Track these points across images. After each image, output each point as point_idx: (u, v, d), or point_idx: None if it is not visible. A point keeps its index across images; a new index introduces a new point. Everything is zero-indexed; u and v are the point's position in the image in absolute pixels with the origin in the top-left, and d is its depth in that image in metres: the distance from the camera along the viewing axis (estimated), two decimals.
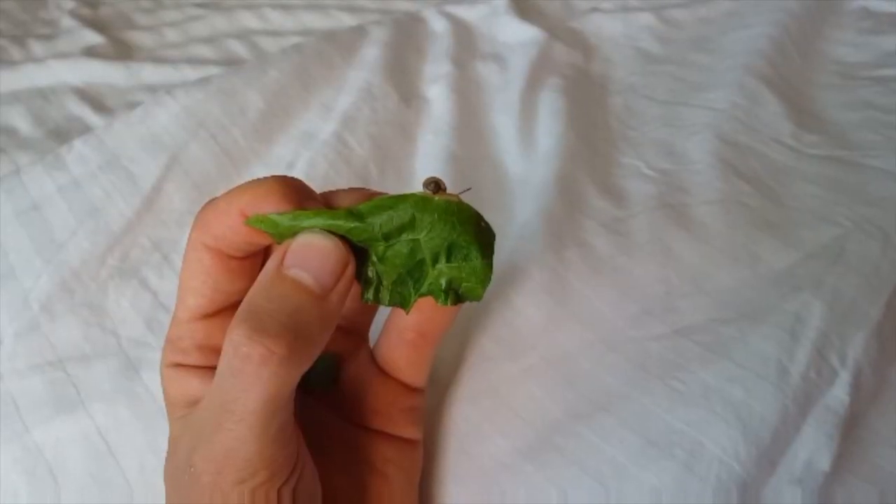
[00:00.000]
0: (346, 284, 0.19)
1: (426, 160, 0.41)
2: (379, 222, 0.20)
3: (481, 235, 0.20)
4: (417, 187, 0.20)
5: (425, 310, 0.22)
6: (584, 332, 0.31)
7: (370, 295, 0.21)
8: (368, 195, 0.20)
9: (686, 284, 0.32)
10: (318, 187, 0.21)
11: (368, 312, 0.26)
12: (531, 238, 0.35)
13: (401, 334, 0.24)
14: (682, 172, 0.40)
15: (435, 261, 0.20)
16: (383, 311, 0.24)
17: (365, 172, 0.41)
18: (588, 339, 0.31)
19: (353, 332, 0.25)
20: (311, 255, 0.19)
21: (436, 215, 0.20)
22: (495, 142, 0.44)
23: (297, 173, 0.40)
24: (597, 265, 0.34)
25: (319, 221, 0.19)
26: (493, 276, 0.20)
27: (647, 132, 0.44)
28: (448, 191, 0.20)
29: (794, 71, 0.45)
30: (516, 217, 0.38)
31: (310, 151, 0.41)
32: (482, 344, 0.31)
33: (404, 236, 0.20)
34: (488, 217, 0.21)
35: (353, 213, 0.19)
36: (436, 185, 0.20)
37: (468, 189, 0.22)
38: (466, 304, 0.21)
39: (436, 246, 0.20)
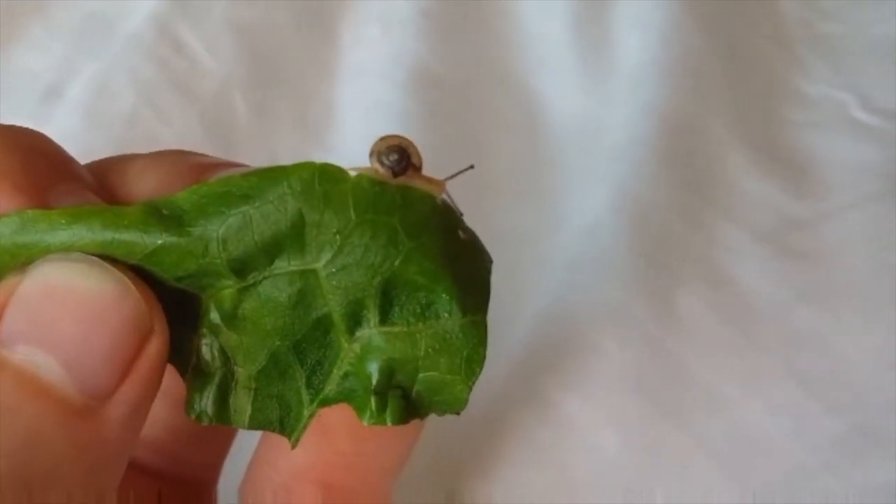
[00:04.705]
0: (143, 381, 0.14)
1: (363, 84, 0.32)
2: (220, 233, 0.13)
3: (459, 260, 0.14)
4: (334, 147, 0.16)
5: (338, 436, 0.16)
6: (720, 481, 0.24)
7: (204, 404, 0.14)
8: (199, 169, 0.15)
9: None
10: (102, 146, 0.16)
11: (212, 442, 0.19)
12: (598, 266, 0.27)
13: (284, 489, 0.17)
14: None
15: (355, 321, 0.14)
16: (246, 440, 0.18)
17: (220, 108, 0.31)
18: None
19: (178, 482, 0.19)
20: (60, 314, 0.13)
21: (352, 214, 0.13)
22: (520, 46, 0.35)
23: (62, 113, 0.31)
24: (753, 333, 0.26)
25: (83, 234, 0.14)
26: (493, 354, 0.15)
27: (859, 26, 0.35)
28: (425, 171, 0.14)
29: None
30: (564, 216, 0.30)
31: (95, 61, 0.32)
32: None
33: (282, 265, 0.14)
34: (498, 217, 0.18)
35: (161, 214, 0.14)
36: (401, 155, 0.14)
37: (469, 168, 0.15)
38: (433, 420, 0.15)
39: (356, 286, 0.14)
